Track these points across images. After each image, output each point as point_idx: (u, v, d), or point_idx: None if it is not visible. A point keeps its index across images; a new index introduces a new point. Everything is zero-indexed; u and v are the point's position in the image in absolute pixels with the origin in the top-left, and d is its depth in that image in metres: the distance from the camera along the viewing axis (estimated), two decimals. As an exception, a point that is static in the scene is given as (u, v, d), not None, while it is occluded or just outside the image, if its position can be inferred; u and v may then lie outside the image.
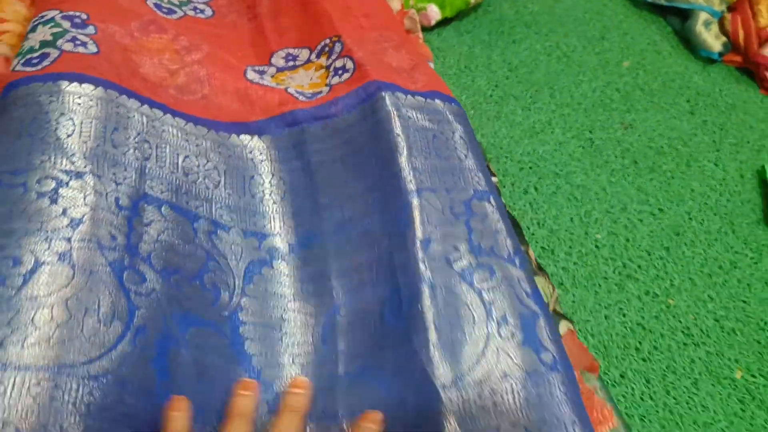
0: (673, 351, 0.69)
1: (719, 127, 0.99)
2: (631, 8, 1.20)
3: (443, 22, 1.04)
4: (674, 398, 0.65)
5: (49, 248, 0.45)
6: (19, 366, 0.39)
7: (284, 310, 0.53)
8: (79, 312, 0.42)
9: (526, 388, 0.44)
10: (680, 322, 0.71)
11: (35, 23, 0.64)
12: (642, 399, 0.64)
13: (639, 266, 0.76)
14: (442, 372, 0.44)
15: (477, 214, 0.54)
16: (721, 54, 1.10)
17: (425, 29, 1.02)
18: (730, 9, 1.14)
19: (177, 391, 0.44)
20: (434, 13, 1.01)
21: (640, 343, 0.69)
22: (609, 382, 0.65)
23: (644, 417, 0.63)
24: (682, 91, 1.04)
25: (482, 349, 0.46)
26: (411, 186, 0.54)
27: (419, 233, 0.51)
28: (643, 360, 0.67)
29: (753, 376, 0.68)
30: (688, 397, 0.65)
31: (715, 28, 1.12)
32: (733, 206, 0.86)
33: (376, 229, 0.54)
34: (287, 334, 0.51)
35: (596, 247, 0.77)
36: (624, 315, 0.71)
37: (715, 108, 1.02)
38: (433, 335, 0.46)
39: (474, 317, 0.48)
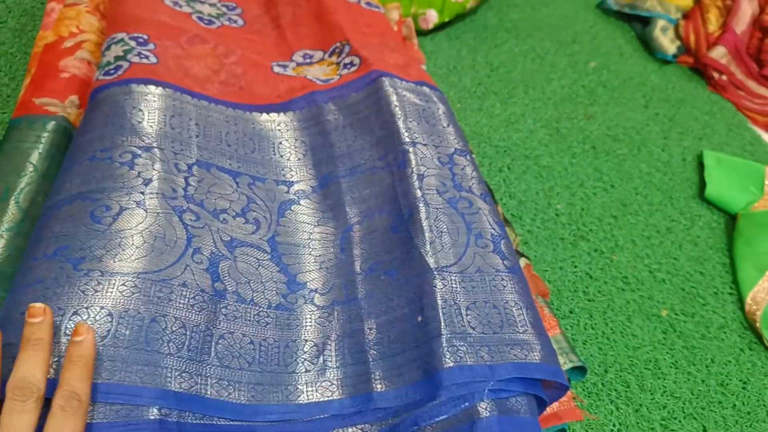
0: (613, 294, 0.87)
1: (669, 119, 1.17)
2: (600, 15, 1.38)
3: (437, 29, 1.22)
4: (611, 329, 0.83)
5: (129, 199, 0.63)
6: (113, 273, 0.57)
7: (310, 233, 0.71)
8: (151, 239, 0.60)
9: (494, 280, 0.62)
10: (620, 273, 0.89)
11: (109, 43, 0.82)
12: (585, 329, 0.82)
13: (590, 230, 0.94)
14: (434, 261, 0.62)
15: (457, 164, 0.72)
16: (675, 56, 1.28)
17: (421, 33, 1.20)
18: (685, 17, 1.32)
19: (226, 287, 0.61)
20: (432, 17, 1.18)
21: (587, 288, 0.87)
22: (559, 315, 0.83)
23: (586, 341, 0.81)
24: (639, 87, 1.22)
25: (464, 250, 0.64)
26: (407, 139, 0.72)
27: (415, 170, 0.69)
28: (589, 300, 0.85)
29: (676, 314, 0.86)
30: (622, 328, 0.83)
31: (670, 33, 1.30)
32: (674, 183, 1.04)
33: (380, 169, 0.72)
34: (314, 249, 0.69)
35: (556, 215, 0.95)
36: (575, 267, 0.89)
37: (666, 102, 1.20)
38: (428, 236, 0.64)
39: (458, 229, 0.66)
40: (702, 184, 1.04)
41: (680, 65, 1.29)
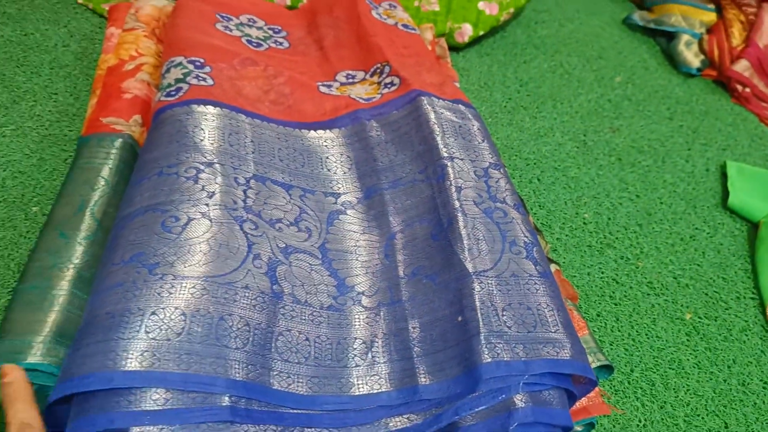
0: (638, 298, 0.91)
1: (693, 131, 1.21)
2: (625, 31, 1.43)
3: (468, 46, 1.28)
4: (636, 331, 0.88)
5: (195, 210, 0.69)
6: (184, 276, 0.63)
7: (357, 241, 0.77)
8: (216, 246, 0.67)
9: (527, 283, 0.68)
10: (646, 278, 0.94)
11: (168, 66, 0.89)
12: (611, 331, 0.87)
13: (617, 238, 0.99)
14: (472, 266, 0.68)
15: (492, 177, 0.78)
16: (699, 69, 1.33)
17: (454, 50, 1.26)
18: (708, 31, 1.37)
19: (283, 290, 0.68)
20: (468, 31, 1.24)
21: (613, 292, 0.92)
22: (587, 318, 0.88)
23: (612, 343, 0.86)
24: (664, 100, 1.27)
25: (499, 256, 0.70)
26: (445, 154, 0.78)
27: (453, 182, 0.75)
28: (615, 305, 0.90)
29: (699, 317, 0.91)
30: (647, 330, 0.88)
31: (695, 47, 1.34)
32: (697, 193, 1.09)
33: (420, 182, 0.78)
34: (360, 255, 0.76)
35: (584, 223, 1.00)
36: (602, 273, 0.94)
37: (690, 114, 1.25)
38: (466, 243, 0.69)
39: (494, 237, 0.71)
40: (725, 194, 1.09)
41: (704, 78, 1.34)
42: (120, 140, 0.84)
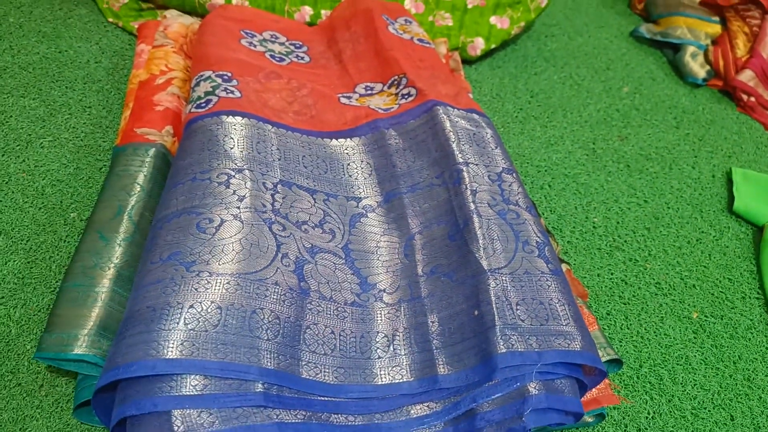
0: (647, 298, 0.95)
1: (699, 139, 1.25)
2: (633, 43, 1.47)
3: (481, 59, 1.33)
4: (645, 329, 0.91)
5: (227, 212, 0.74)
6: (218, 273, 0.68)
7: (378, 242, 0.81)
8: (247, 245, 0.72)
9: (539, 280, 0.72)
10: (653, 279, 0.98)
11: (197, 80, 0.94)
12: (621, 329, 0.91)
13: (625, 241, 1.03)
14: (487, 264, 0.72)
15: (505, 181, 0.83)
16: (705, 80, 1.37)
17: (467, 63, 1.31)
18: (714, 43, 1.41)
19: (309, 286, 0.72)
20: (480, 44, 1.29)
21: (622, 293, 0.95)
22: (597, 316, 0.92)
23: (621, 340, 0.90)
24: (671, 110, 1.31)
25: (513, 255, 0.74)
26: (460, 159, 0.83)
27: (469, 186, 0.80)
28: (624, 304, 0.94)
29: (705, 316, 0.94)
30: (656, 328, 0.92)
31: (700, 58, 1.38)
32: (704, 198, 1.13)
33: (437, 186, 0.83)
34: (381, 255, 0.80)
35: (593, 227, 1.04)
36: (612, 274, 0.98)
37: (697, 123, 1.28)
38: (481, 243, 0.74)
39: (507, 237, 0.76)
40: (730, 199, 1.12)
41: (710, 88, 1.38)
42: (153, 149, 0.89)
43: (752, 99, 1.32)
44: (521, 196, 0.82)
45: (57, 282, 0.83)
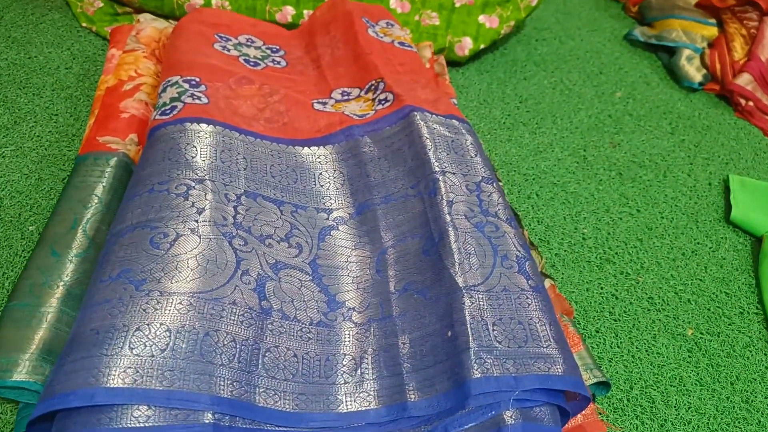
0: (639, 314, 0.90)
1: (695, 145, 1.20)
2: (626, 46, 1.43)
3: (468, 61, 1.28)
4: (636, 347, 0.86)
5: (184, 226, 0.69)
6: (170, 292, 0.63)
7: (348, 256, 0.76)
8: (203, 262, 0.67)
9: (519, 298, 0.67)
10: (646, 293, 0.93)
11: (164, 85, 0.90)
12: (611, 347, 0.86)
13: (616, 253, 0.98)
14: (462, 280, 0.67)
15: (484, 191, 0.78)
16: (701, 84, 1.32)
17: (455, 64, 1.26)
18: (710, 46, 1.36)
19: (272, 305, 0.67)
20: (468, 44, 1.25)
21: (612, 308, 0.90)
22: (585, 334, 0.86)
23: (611, 359, 0.84)
24: (666, 115, 1.26)
25: (491, 271, 0.69)
26: (437, 168, 0.78)
27: (445, 197, 0.75)
28: (614, 320, 0.89)
29: (701, 333, 0.89)
30: (648, 346, 0.86)
31: (696, 62, 1.34)
32: (699, 207, 1.08)
33: (412, 197, 0.78)
34: (352, 271, 0.75)
35: (583, 239, 0.99)
36: (602, 288, 0.93)
37: (693, 129, 1.24)
38: (457, 258, 0.69)
39: (485, 252, 0.71)
40: (727, 208, 1.07)
41: (706, 93, 1.33)
42: (115, 159, 0.84)
43: (750, 103, 1.27)
44: (501, 207, 0.77)
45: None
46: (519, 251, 0.72)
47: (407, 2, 1.23)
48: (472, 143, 0.85)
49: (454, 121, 0.87)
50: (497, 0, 1.24)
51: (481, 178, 0.80)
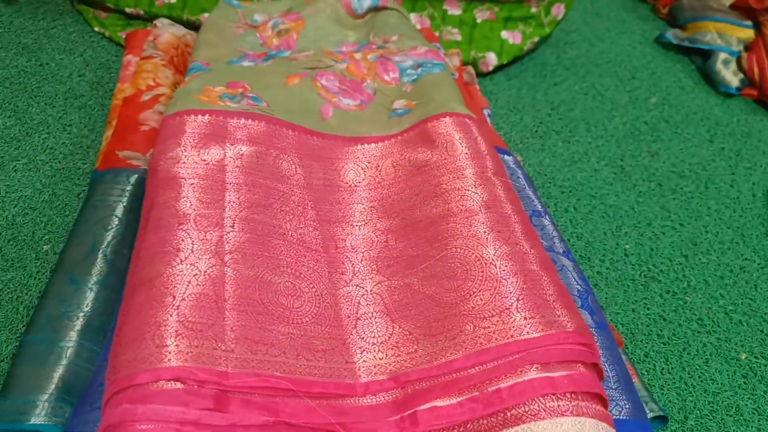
0: (689, 337, 0.85)
1: (735, 153, 1.15)
2: (658, 50, 1.37)
3: (496, 69, 1.23)
4: (688, 373, 0.81)
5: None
6: None
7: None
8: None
9: None
10: (695, 314, 0.88)
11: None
12: (662, 373, 0.81)
13: (661, 270, 0.93)
14: None
15: (537, 226, 0.73)
16: (738, 89, 1.26)
17: (482, 75, 1.21)
18: (747, 49, 1.30)
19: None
20: (492, 60, 1.20)
21: (661, 331, 0.85)
22: (634, 359, 0.81)
23: (663, 386, 0.79)
24: (703, 122, 1.20)
25: None
26: None
27: None
28: (663, 344, 0.84)
29: (756, 357, 0.84)
30: (700, 372, 0.81)
31: (733, 66, 1.28)
32: (745, 221, 1.02)
33: None
34: None
35: (625, 255, 0.94)
36: (648, 309, 0.87)
37: (732, 136, 1.18)
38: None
39: None
40: (774, 221, 1.02)
41: (744, 98, 1.27)
42: (136, 176, 0.79)
43: (791, 109, 1.22)
44: (557, 240, 0.73)
45: (23, 326, 0.73)
46: (580, 285, 0.67)
47: (426, 18, 1.18)
48: (520, 176, 0.80)
49: (505, 156, 0.83)
50: (519, 16, 1.19)
51: (532, 212, 0.76)
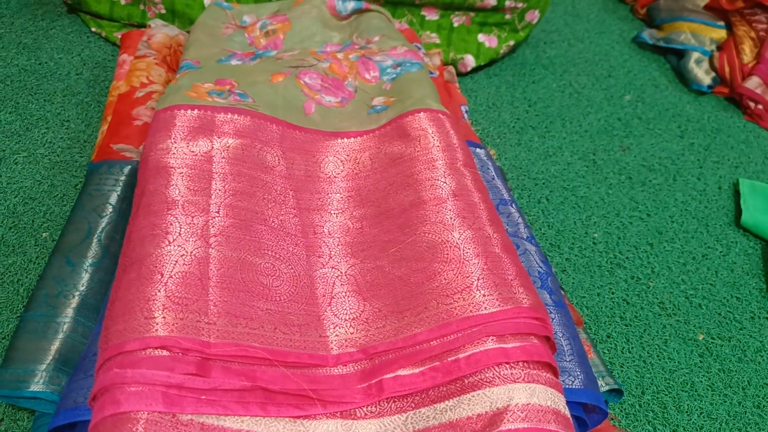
0: (650, 319, 0.90)
1: (704, 148, 1.20)
2: (635, 49, 1.42)
3: (476, 69, 1.28)
4: (647, 352, 0.86)
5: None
6: None
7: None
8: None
9: None
10: (657, 298, 0.93)
11: None
12: (622, 352, 0.86)
13: (627, 257, 0.98)
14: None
15: (503, 213, 0.79)
16: (710, 87, 1.32)
17: (461, 75, 1.27)
18: (719, 48, 1.36)
19: None
20: (470, 62, 1.25)
21: (624, 313, 0.90)
22: (597, 339, 0.87)
23: (623, 364, 0.85)
24: (675, 118, 1.26)
25: None
26: None
27: None
28: (625, 325, 0.89)
29: (713, 338, 0.89)
30: (659, 351, 0.87)
31: (705, 64, 1.33)
32: (710, 212, 1.08)
33: None
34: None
35: (593, 243, 0.99)
36: (612, 293, 0.93)
37: (702, 132, 1.23)
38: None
39: None
40: (738, 212, 1.07)
41: (715, 96, 1.33)
42: (129, 167, 0.85)
43: (760, 106, 1.27)
44: (522, 226, 0.79)
45: (23, 307, 0.79)
46: (541, 267, 0.73)
47: (405, 23, 1.23)
48: (490, 168, 0.86)
49: (477, 150, 0.89)
50: (494, 21, 1.24)
51: (499, 200, 0.81)
